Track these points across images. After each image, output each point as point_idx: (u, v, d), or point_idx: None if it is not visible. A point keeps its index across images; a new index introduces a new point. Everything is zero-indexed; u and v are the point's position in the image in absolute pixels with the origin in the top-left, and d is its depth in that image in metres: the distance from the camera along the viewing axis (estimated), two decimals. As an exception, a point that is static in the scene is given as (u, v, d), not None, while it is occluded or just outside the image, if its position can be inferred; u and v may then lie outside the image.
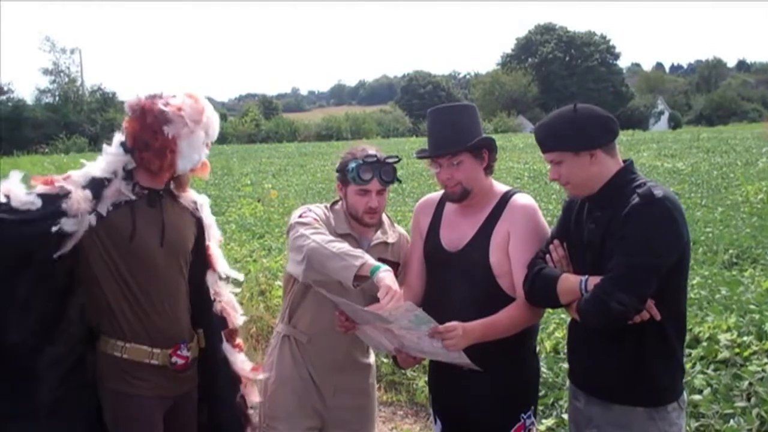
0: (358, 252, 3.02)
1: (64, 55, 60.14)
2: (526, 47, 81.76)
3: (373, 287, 2.94)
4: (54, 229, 2.87)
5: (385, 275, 2.91)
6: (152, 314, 3.08)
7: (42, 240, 2.88)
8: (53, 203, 2.92)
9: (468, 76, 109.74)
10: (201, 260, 3.32)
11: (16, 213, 2.86)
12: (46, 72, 59.75)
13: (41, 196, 2.93)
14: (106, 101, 58.53)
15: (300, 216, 3.27)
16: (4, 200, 2.86)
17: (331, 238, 3.12)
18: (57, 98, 58.90)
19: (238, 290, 3.55)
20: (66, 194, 2.94)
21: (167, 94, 3.07)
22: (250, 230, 12.40)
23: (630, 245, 2.67)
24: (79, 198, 2.93)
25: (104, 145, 3.14)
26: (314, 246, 3.05)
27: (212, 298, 3.34)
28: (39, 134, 50.46)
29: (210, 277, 3.35)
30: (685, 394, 2.95)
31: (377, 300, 2.91)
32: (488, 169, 3.21)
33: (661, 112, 76.31)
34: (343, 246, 3.05)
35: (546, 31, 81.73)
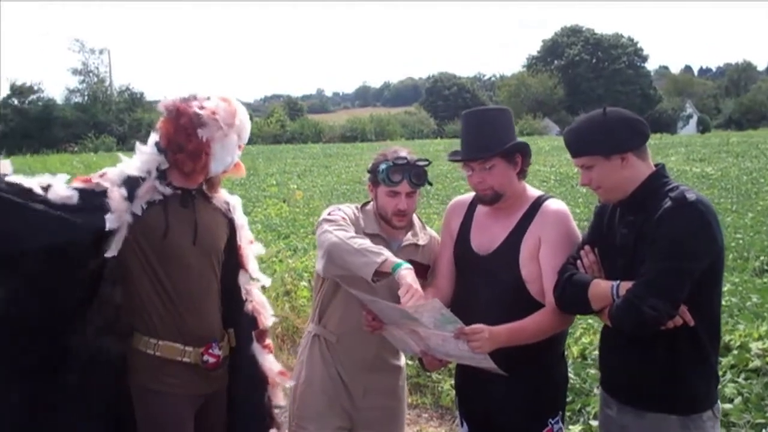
0: (380, 248, 3.02)
1: (93, 55, 60.85)
2: (552, 49, 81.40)
3: (396, 285, 2.94)
4: (98, 225, 2.90)
5: (407, 273, 2.91)
6: (185, 312, 3.11)
7: (81, 234, 2.91)
8: (92, 200, 2.96)
9: (493, 78, 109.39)
10: (233, 260, 3.34)
11: (56, 207, 2.89)
12: (75, 72, 60.49)
13: (79, 191, 2.97)
14: (134, 101, 59.15)
15: (328, 214, 3.29)
16: (40, 192, 2.89)
17: (354, 234, 3.13)
18: (86, 98, 59.55)
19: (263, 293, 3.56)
20: (103, 191, 2.98)
21: (201, 96, 3.09)
22: (276, 230, 12.44)
23: (663, 249, 2.64)
24: (117, 195, 2.97)
25: (138, 144, 3.17)
26: (335, 241, 3.07)
27: (244, 297, 3.36)
28: (68, 133, 51.09)
29: (242, 277, 3.37)
30: (719, 402, 2.91)
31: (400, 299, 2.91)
32: (521, 174, 3.19)
33: (690, 116, 75.65)
34: (365, 242, 3.06)
35: (572, 33, 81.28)
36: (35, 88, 57.49)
